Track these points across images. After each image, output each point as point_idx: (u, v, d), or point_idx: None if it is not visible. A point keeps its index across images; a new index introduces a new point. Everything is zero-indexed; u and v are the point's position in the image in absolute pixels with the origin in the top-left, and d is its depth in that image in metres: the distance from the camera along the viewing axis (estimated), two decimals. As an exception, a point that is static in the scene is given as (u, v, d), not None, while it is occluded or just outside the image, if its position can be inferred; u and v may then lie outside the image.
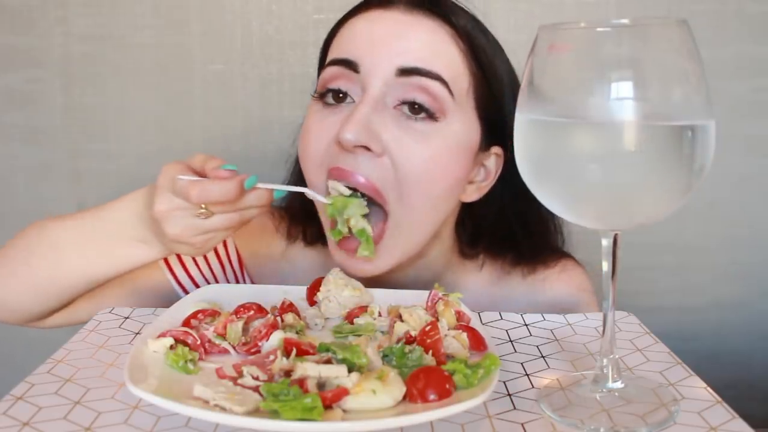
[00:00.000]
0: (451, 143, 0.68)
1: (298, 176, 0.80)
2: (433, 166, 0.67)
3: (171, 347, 0.53)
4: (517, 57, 0.76)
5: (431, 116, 0.67)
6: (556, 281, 0.82)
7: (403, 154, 0.66)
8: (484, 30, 0.74)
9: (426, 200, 0.68)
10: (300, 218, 0.82)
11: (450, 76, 0.68)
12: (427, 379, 0.46)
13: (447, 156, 0.68)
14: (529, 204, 0.68)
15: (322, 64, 0.75)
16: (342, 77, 0.69)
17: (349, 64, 0.68)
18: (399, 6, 0.70)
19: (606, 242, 0.50)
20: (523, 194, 0.64)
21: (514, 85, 0.74)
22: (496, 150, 0.74)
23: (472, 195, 0.75)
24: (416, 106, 0.67)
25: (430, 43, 0.68)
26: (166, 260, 0.80)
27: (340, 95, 0.69)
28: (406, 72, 0.66)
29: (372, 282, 0.74)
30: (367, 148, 0.66)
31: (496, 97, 0.72)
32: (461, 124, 0.69)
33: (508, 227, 0.79)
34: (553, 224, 0.82)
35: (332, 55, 0.71)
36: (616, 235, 0.50)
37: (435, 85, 0.67)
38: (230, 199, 0.59)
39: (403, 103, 0.67)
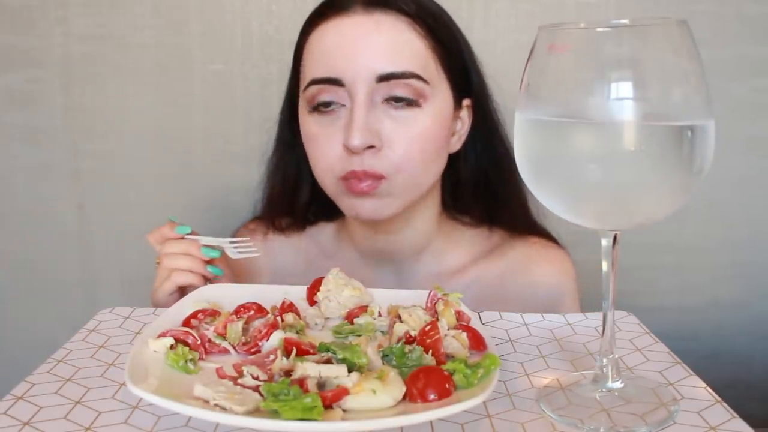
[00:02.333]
0: (435, 117, 0.77)
1: (271, 202, 0.91)
2: (424, 140, 0.76)
3: (171, 347, 0.53)
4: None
5: (415, 103, 0.75)
6: (539, 260, 0.87)
7: (398, 140, 0.75)
8: None
9: (421, 166, 0.77)
10: (273, 212, 0.92)
11: (420, 65, 0.75)
12: (427, 379, 0.46)
13: (433, 128, 0.77)
14: (500, 153, 0.85)
15: (296, 72, 0.82)
16: (328, 91, 0.76)
17: (332, 81, 0.75)
18: (356, 9, 0.75)
19: (606, 242, 0.50)
20: (492, 135, 0.85)
21: (463, 36, 0.83)
22: (466, 102, 0.84)
23: (456, 145, 0.84)
24: (400, 99, 0.75)
25: (394, 42, 0.75)
26: None
27: (329, 104, 0.76)
28: (384, 78, 0.74)
29: (376, 244, 0.85)
30: (372, 146, 0.74)
31: (456, 57, 0.80)
32: (439, 98, 0.78)
33: (484, 173, 0.87)
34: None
35: (311, 72, 0.77)
36: (615, 235, 0.50)
37: (411, 82, 0.75)
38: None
39: (389, 98, 0.75)
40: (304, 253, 0.91)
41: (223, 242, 0.76)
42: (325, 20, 0.77)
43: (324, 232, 0.92)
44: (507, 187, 0.86)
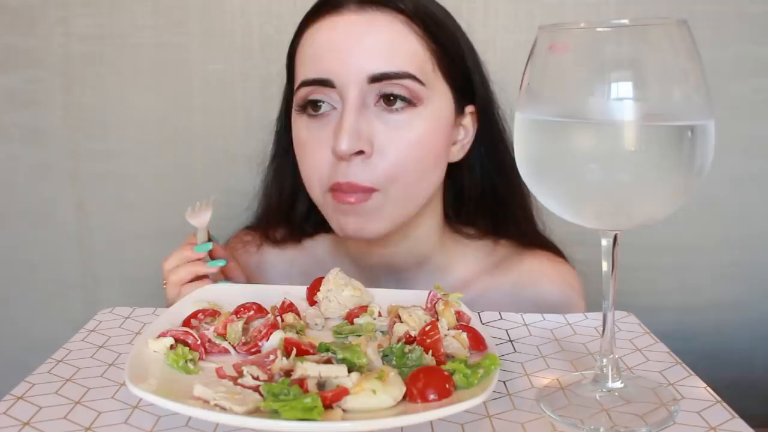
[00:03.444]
0: (432, 122, 0.73)
1: (268, 212, 0.88)
2: (419, 147, 0.72)
3: (171, 347, 0.53)
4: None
5: (410, 103, 0.72)
6: (548, 274, 0.83)
7: (390, 146, 0.71)
8: None
9: (416, 176, 0.73)
10: (269, 222, 0.89)
11: (416, 66, 0.72)
12: (427, 379, 0.46)
13: (429, 134, 0.73)
14: (506, 162, 0.80)
15: (291, 75, 0.78)
16: (318, 92, 0.73)
17: (323, 83, 0.72)
18: (350, 7, 0.72)
19: (606, 242, 0.50)
20: (498, 143, 0.81)
21: (466, 39, 0.79)
22: (470, 109, 0.79)
23: (459, 154, 0.80)
24: (392, 98, 0.71)
25: (389, 41, 0.71)
26: None
27: (319, 104, 0.73)
28: (376, 79, 0.70)
29: (374, 257, 0.82)
30: (361, 151, 0.70)
31: (457, 61, 0.76)
32: (437, 102, 0.74)
33: (490, 183, 0.83)
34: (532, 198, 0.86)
35: (302, 73, 0.74)
36: (615, 235, 0.50)
37: (405, 83, 0.71)
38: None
39: (382, 96, 0.71)
40: (299, 267, 0.88)
41: (202, 221, 0.75)
42: (318, 20, 0.74)
43: (320, 245, 0.88)
44: (514, 197, 0.83)
